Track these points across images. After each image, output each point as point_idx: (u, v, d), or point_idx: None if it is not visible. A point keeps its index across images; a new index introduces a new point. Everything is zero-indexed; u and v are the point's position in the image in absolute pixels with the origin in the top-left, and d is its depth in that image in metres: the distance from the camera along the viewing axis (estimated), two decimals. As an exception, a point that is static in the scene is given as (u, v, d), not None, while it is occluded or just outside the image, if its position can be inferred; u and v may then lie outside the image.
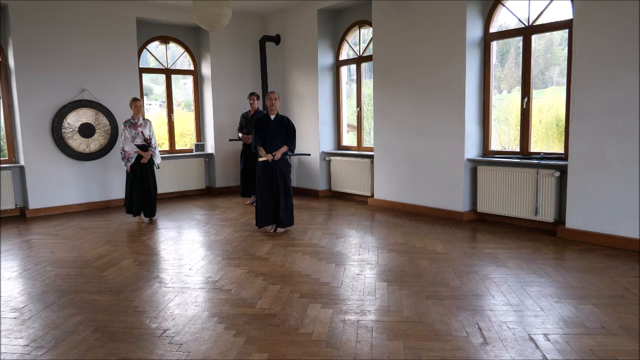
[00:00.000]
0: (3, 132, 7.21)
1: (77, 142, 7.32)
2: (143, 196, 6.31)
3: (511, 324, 3.05)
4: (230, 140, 8.39)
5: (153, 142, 6.33)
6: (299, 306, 3.41)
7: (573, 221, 5.01)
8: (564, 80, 5.41)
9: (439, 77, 6.16)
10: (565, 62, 5.34)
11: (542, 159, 5.40)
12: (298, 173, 8.70)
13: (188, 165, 8.60)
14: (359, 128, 7.95)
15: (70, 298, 3.67)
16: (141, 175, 6.26)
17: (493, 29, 5.97)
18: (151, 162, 6.33)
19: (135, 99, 6.24)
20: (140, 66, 8.15)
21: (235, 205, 7.52)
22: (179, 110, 9.30)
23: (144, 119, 6.31)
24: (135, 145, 6.17)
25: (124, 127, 6.17)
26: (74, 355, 2.76)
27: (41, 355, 2.77)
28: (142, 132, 6.20)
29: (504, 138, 6.33)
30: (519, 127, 5.78)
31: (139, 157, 6.20)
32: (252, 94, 7.43)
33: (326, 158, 8.21)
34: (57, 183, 7.22)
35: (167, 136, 8.67)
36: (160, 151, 6.50)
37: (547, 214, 5.34)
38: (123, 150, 6.16)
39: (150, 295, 3.70)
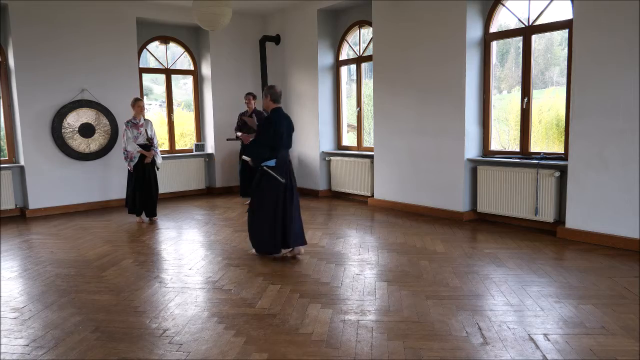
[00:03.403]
0: (3, 132, 7.21)
1: (77, 142, 7.32)
2: (144, 196, 6.31)
3: (511, 324, 3.05)
4: (227, 139, 8.38)
5: (155, 142, 6.33)
6: (299, 306, 3.41)
7: (573, 221, 5.01)
8: (564, 80, 5.41)
9: (439, 77, 6.16)
10: (565, 62, 5.34)
11: (542, 159, 5.40)
12: (298, 173, 8.69)
13: (188, 165, 8.60)
14: (359, 128, 7.95)
15: (70, 298, 3.67)
16: (143, 175, 6.26)
17: (493, 29, 5.97)
18: (153, 162, 6.33)
19: (137, 99, 6.24)
20: (140, 66, 8.15)
21: (235, 205, 7.52)
22: (179, 110, 9.31)
23: (144, 119, 6.30)
24: (138, 144, 6.16)
25: (125, 127, 6.16)
26: (74, 355, 2.76)
27: (41, 355, 2.77)
28: (145, 130, 6.19)
29: (504, 138, 6.33)
30: (519, 127, 5.78)
31: (142, 156, 6.20)
32: (248, 94, 7.41)
33: (326, 158, 8.21)
34: (57, 183, 7.22)
35: (167, 136, 8.67)
36: (160, 151, 6.48)
37: (547, 214, 5.34)
38: (125, 150, 6.15)
39: (150, 295, 3.70)
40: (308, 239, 5.33)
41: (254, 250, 4.73)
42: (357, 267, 4.29)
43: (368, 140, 7.88)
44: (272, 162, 4.50)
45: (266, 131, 4.47)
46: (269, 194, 4.50)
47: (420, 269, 4.17)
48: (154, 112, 9.02)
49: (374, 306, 3.38)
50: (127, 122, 6.19)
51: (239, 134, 7.43)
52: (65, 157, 7.27)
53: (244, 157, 5.22)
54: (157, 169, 6.45)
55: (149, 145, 6.25)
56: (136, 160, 6.17)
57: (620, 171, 4.63)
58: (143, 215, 6.46)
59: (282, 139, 4.51)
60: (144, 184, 6.27)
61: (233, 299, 3.57)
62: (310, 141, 8.31)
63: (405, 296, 3.55)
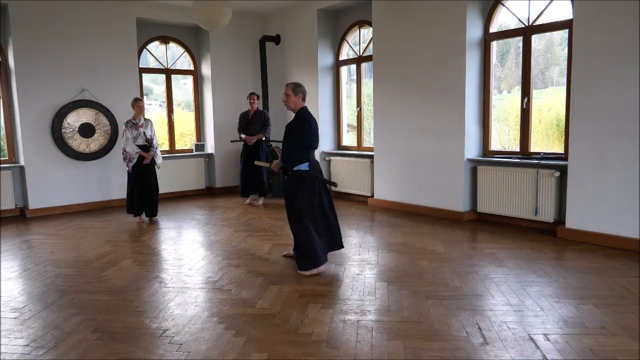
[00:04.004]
0: (3, 132, 7.21)
1: (77, 142, 7.32)
2: (144, 196, 6.30)
3: (511, 324, 3.05)
4: (232, 141, 8.36)
5: (154, 143, 6.31)
6: (299, 306, 3.41)
7: (573, 221, 5.01)
8: (564, 80, 5.41)
9: (439, 77, 6.16)
10: (565, 62, 5.34)
11: (542, 159, 5.40)
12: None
13: (188, 165, 8.59)
14: (359, 128, 7.95)
15: (70, 298, 3.67)
16: (142, 175, 6.24)
17: (493, 29, 5.97)
18: (153, 162, 6.31)
19: (137, 99, 6.21)
20: (140, 66, 8.15)
21: (235, 205, 7.52)
22: (179, 110, 9.30)
23: (145, 119, 6.29)
24: (136, 145, 6.15)
25: (125, 127, 6.13)
26: (74, 355, 2.76)
27: (41, 355, 2.77)
28: (144, 132, 6.18)
29: (504, 138, 6.33)
30: (519, 127, 5.78)
31: (141, 157, 6.19)
32: (252, 94, 7.42)
33: (326, 158, 8.21)
34: (57, 183, 7.22)
35: (167, 136, 8.66)
36: (160, 151, 6.46)
37: (547, 214, 5.34)
38: (124, 151, 6.13)
39: (150, 295, 3.70)
40: (308, 239, 5.34)
41: (306, 271, 4.10)
42: (357, 267, 4.29)
43: (368, 140, 7.88)
44: (305, 166, 4.17)
45: (307, 132, 4.15)
46: (310, 199, 4.16)
47: (420, 269, 4.17)
48: (154, 112, 9.02)
49: (374, 306, 3.38)
50: (127, 122, 6.17)
51: (243, 135, 7.38)
52: (65, 157, 7.27)
53: (256, 163, 4.99)
54: (158, 167, 6.43)
55: (148, 146, 6.23)
56: (135, 161, 6.15)
57: (620, 171, 4.63)
58: (143, 215, 6.45)
59: (313, 141, 4.25)
60: (144, 183, 6.25)
61: (233, 299, 3.57)
62: (310, 141, 8.30)
63: (405, 296, 3.55)
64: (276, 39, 8.76)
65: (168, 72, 8.62)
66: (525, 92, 5.65)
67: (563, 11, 5.32)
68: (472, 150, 6.08)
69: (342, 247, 4.44)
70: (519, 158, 5.66)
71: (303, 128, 4.16)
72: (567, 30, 5.27)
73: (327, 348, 2.78)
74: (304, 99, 4.31)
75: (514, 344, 2.77)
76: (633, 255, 4.42)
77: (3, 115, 7.10)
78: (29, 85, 6.90)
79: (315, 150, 4.35)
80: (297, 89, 4.26)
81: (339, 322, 3.12)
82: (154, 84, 9.11)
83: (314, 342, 2.86)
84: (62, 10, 7.09)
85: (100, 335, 3.01)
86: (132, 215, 6.41)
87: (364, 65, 7.82)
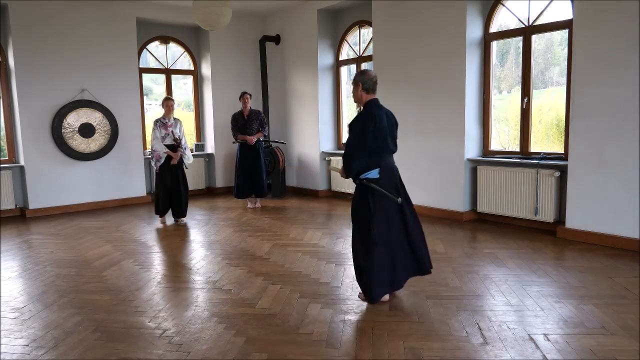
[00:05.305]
0: (3, 132, 7.21)
1: (77, 142, 7.33)
2: (170, 197, 6.17)
3: (511, 324, 3.05)
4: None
5: (183, 142, 6.21)
6: (299, 306, 3.41)
7: (573, 221, 5.01)
8: (564, 80, 5.41)
9: (439, 77, 6.16)
10: (565, 62, 5.34)
11: (542, 159, 5.40)
12: (298, 173, 8.70)
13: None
14: (359, 128, 7.93)
15: (70, 298, 3.67)
16: (170, 175, 6.13)
17: (493, 29, 5.96)
18: (181, 162, 6.21)
19: (167, 99, 6.17)
20: (140, 66, 8.15)
21: (235, 205, 7.51)
22: (179, 110, 9.30)
23: (174, 118, 6.22)
24: (164, 145, 6.06)
25: (154, 126, 6.06)
26: (74, 355, 2.76)
27: (41, 355, 2.77)
28: (172, 132, 6.11)
29: (504, 138, 6.33)
30: (519, 127, 5.78)
31: (169, 157, 6.09)
32: (245, 93, 7.18)
33: (326, 158, 8.20)
34: (57, 183, 7.22)
35: (167, 136, 8.66)
36: (189, 150, 6.36)
37: (547, 214, 5.34)
38: (153, 150, 6.06)
39: (150, 295, 3.70)
40: (308, 239, 5.34)
41: (363, 299, 3.47)
42: (357, 267, 4.28)
43: (368, 140, 7.86)
44: (374, 173, 3.42)
45: (369, 131, 3.35)
46: (381, 217, 3.36)
47: (420, 269, 4.16)
48: (154, 112, 9.02)
49: (374, 306, 3.38)
50: (156, 121, 6.10)
51: (240, 135, 7.18)
52: (65, 157, 7.27)
53: (331, 167, 4.13)
54: (187, 167, 6.34)
55: (175, 146, 6.14)
56: (162, 161, 6.06)
57: (620, 171, 4.62)
58: (172, 216, 6.33)
59: (386, 141, 3.49)
60: (171, 184, 6.12)
61: (233, 299, 3.57)
62: (310, 141, 8.31)
63: (405, 296, 3.55)
64: (276, 39, 8.76)
65: (168, 72, 8.62)
66: (525, 92, 5.65)
67: (563, 11, 5.31)
68: (472, 150, 6.07)
69: (429, 271, 3.59)
70: (519, 158, 5.66)
71: (365, 126, 3.35)
72: (567, 30, 5.26)
73: (327, 348, 2.78)
74: (368, 90, 3.47)
75: (514, 344, 2.77)
76: (633, 255, 4.42)
77: (3, 115, 7.10)
78: (29, 85, 6.90)
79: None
80: (357, 77, 3.47)
81: (339, 322, 3.12)
82: (154, 84, 9.11)
83: (314, 342, 2.86)
84: (62, 10, 7.09)
85: (100, 335, 3.01)
86: (158, 216, 6.29)
87: (364, 65, 7.80)
